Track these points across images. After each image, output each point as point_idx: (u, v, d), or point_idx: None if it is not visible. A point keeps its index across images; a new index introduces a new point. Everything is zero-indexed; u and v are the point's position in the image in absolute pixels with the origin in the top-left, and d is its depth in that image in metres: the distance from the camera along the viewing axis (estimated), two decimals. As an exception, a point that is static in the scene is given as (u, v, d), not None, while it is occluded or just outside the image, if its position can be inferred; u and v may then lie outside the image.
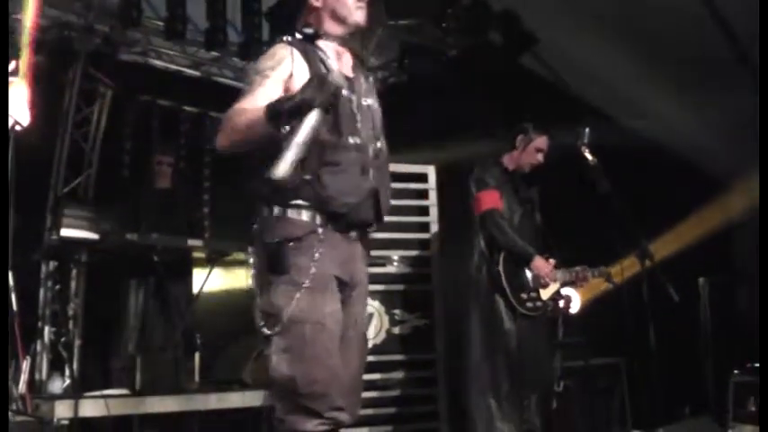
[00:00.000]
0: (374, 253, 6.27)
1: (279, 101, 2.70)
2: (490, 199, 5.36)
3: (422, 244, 6.56)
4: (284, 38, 3.05)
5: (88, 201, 7.16)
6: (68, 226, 5.90)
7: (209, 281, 6.39)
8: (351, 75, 3.10)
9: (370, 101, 3.16)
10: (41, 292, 6.80)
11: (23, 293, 5.24)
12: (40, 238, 6.58)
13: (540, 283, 5.33)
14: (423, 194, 6.62)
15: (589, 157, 4.89)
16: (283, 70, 2.94)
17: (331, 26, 3.11)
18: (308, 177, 2.86)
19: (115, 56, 7.44)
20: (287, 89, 2.91)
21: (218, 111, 7.98)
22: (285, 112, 2.61)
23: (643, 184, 7.00)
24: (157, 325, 6.34)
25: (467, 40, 7.73)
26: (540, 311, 5.35)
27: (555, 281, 5.39)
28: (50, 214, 6.72)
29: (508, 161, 5.54)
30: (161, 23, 7.15)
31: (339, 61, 3.12)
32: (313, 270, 2.83)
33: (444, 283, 6.49)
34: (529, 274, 5.35)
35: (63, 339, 6.62)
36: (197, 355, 6.27)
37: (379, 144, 3.10)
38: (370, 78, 3.28)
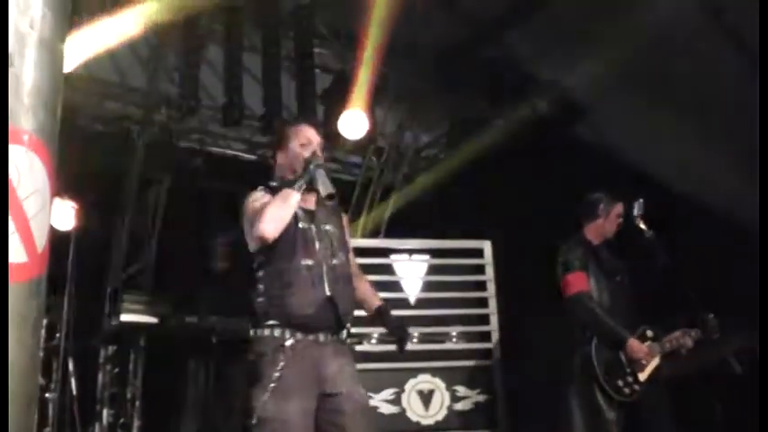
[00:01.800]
0: (432, 329, 6.31)
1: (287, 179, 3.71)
2: (577, 281, 5.13)
3: (480, 319, 6.52)
4: (259, 187, 3.77)
5: (147, 285, 7.26)
6: (127, 311, 6.00)
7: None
8: (312, 208, 3.79)
9: (329, 227, 3.78)
10: (100, 375, 6.89)
11: (82, 376, 5.34)
12: (99, 322, 6.68)
13: (637, 365, 5.03)
14: (479, 269, 6.59)
15: (644, 228, 4.84)
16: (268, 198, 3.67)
17: (292, 178, 3.74)
18: (275, 302, 3.52)
19: (173, 144, 7.60)
20: None
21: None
22: (298, 176, 3.62)
23: (701, 255, 6.85)
24: (216, 407, 6.34)
25: (514, 111, 7.78)
26: (639, 395, 5.01)
27: (654, 357, 5.07)
28: (109, 300, 6.84)
29: (593, 234, 5.34)
30: (218, 110, 7.30)
31: (301, 199, 3.72)
32: (276, 376, 3.39)
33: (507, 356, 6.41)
34: (624, 356, 5.03)
35: (122, 421, 6.68)
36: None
37: (335, 261, 3.69)
38: (330, 207, 3.88)
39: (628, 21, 6.51)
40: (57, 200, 5.89)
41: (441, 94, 7.71)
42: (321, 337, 3.57)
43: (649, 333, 5.14)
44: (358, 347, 5.88)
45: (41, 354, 5.48)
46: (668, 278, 4.63)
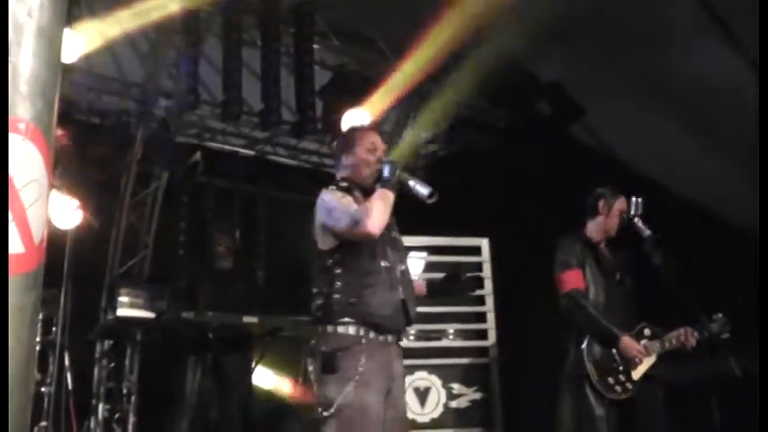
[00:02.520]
0: (429, 327, 6.32)
1: (378, 180, 3.76)
2: (572, 279, 5.11)
3: (478, 317, 6.51)
4: (331, 186, 3.89)
5: (144, 281, 7.25)
6: (124, 306, 5.99)
7: (266, 357, 6.40)
8: None
9: (395, 234, 3.95)
10: (96, 370, 6.90)
11: (78, 371, 5.32)
12: (95, 317, 6.67)
13: (630, 363, 4.99)
14: (477, 267, 6.58)
15: (643, 227, 4.83)
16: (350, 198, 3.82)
17: (358, 181, 3.92)
18: (352, 300, 3.62)
19: (171, 139, 7.58)
20: None
21: (272, 189, 8.12)
22: (388, 177, 3.70)
23: (699, 255, 6.84)
24: (213, 401, 6.34)
25: (515, 111, 7.78)
26: (632, 393, 4.98)
27: (649, 355, 5.02)
28: (106, 294, 6.84)
29: (593, 231, 5.29)
30: (217, 105, 7.29)
31: None
32: (359, 370, 3.54)
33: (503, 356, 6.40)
34: (617, 354, 5.00)
35: (117, 416, 6.68)
36: (253, 432, 6.26)
37: (403, 266, 3.86)
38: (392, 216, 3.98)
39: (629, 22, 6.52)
40: (61, 198, 5.91)
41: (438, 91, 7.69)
42: (389, 338, 3.73)
43: (647, 332, 5.11)
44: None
45: (38, 347, 5.49)
46: (666, 278, 4.61)
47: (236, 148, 8.14)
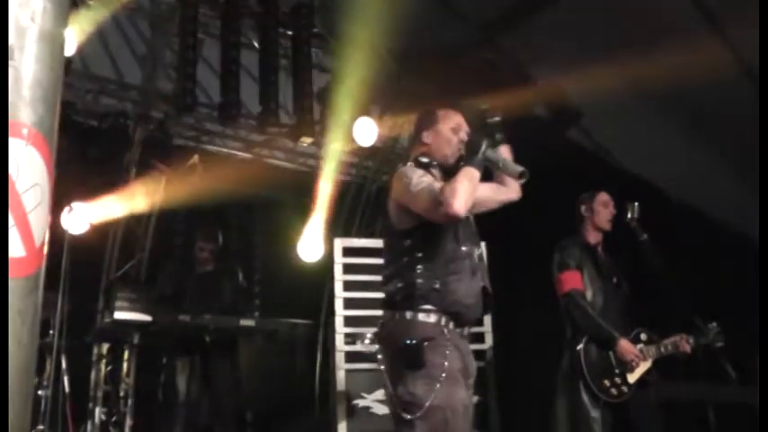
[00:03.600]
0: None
1: (462, 158, 3.47)
2: (571, 280, 5.14)
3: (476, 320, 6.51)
4: (409, 163, 3.64)
5: (140, 283, 7.25)
6: (121, 308, 5.99)
7: (260, 360, 6.39)
8: None
9: (470, 216, 3.65)
10: (93, 372, 6.92)
11: (75, 374, 5.31)
12: (92, 320, 6.68)
13: (626, 366, 5.01)
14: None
15: (639, 231, 4.84)
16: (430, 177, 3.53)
17: (438, 159, 3.66)
18: (436, 286, 3.35)
19: (169, 141, 7.58)
20: None
21: (269, 191, 8.11)
22: (474, 154, 3.38)
23: (696, 259, 6.86)
24: (208, 404, 6.33)
25: (512, 114, 7.77)
26: (627, 396, 5.01)
27: (645, 360, 5.05)
28: (103, 297, 6.84)
29: (589, 235, 5.34)
30: (214, 107, 7.30)
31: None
32: (446, 365, 3.28)
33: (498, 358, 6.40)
34: (614, 357, 5.03)
35: (114, 419, 6.68)
36: (246, 434, 6.27)
37: (479, 251, 3.58)
38: None
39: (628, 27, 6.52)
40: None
41: (437, 95, 7.70)
42: (465, 330, 3.50)
43: (643, 336, 5.13)
44: (351, 347, 5.88)
45: (35, 350, 5.49)
46: (662, 282, 4.63)
47: (233, 151, 8.14)
